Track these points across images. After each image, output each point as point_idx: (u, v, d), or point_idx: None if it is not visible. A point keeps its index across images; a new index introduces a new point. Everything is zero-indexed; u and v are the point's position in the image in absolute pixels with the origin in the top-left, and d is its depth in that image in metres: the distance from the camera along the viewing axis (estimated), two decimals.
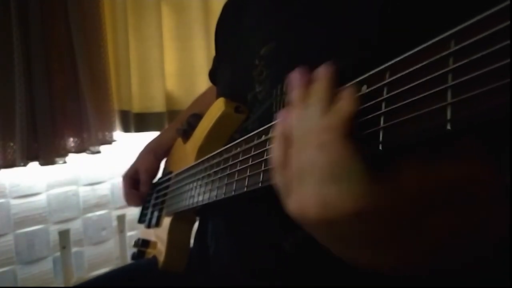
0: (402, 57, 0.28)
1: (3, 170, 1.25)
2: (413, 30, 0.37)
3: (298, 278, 0.52)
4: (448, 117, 0.23)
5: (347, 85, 0.33)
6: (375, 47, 0.43)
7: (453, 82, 0.23)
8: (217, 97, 0.67)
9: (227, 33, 0.75)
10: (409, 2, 0.41)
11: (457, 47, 0.23)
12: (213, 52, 0.84)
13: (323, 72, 0.34)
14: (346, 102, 0.31)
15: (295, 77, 0.36)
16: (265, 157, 0.42)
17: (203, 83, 1.56)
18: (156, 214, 0.84)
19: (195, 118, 0.76)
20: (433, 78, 0.25)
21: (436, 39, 0.25)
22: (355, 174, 0.30)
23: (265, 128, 0.44)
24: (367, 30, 0.44)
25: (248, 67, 0.59)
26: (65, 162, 1.35)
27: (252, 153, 0.45)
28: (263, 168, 0.42)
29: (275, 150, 0.36)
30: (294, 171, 0.34)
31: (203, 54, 1.58)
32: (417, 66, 0.26)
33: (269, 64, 0.56)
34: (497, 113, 0.21)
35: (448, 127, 0.23)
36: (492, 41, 0.21)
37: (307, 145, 0.32)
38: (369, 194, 0.30)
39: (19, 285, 1.37)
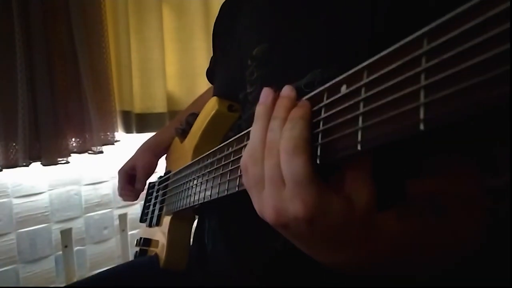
0: (378, 56, 0.28)
1: (6, 170, 1.26)
2: (404, 36, 0.38)
3: (291, 277, 0.53)
4: (421, 116, 0.23)
5: (306, 96, 0.35)
6: (366, 51, 0.44)
7: (426, 82, 0.23)
8: (213, 96, 0.68)
9: (223, 33, 0.76)
10: (399, 9, 0.41)
11: (429, 47, 0.23)
12: None
13: (286, 91, 0.37)
14: (300, 113, 0.34)
15: (262, 95, 0.38)
16: None
17: (203, 84, 1.57)
18: (156, 213, 0.85)
19: (193, 118, 0.76)
20: (406, 78, 0.25)
21: (410, 38, 0.25)
22: (310, 183, 0.32)
23: None
24: (358, 34, 0.44)
25: (241, 67, 0.60)
26: (67, 162, 1.36)
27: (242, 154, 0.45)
28: None
29: (242, 157, 0.39)
30: (251, 177, 0.37)
31: (203, 55, 1.59)
32: (392, 66, 0.26)
33: (260, 65, 0.57)
34: (469, 111, 0.21)
35: (421, 127, 0.23)
36: (463, 39, 0.21)
37: (267, 155, 0.35)
38: (320, 201, 0.32)
39: (21, 284, 1.38)
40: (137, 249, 0.91)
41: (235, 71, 0.63)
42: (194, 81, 1.60)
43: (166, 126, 1.08)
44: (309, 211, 0.32)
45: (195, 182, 0.62)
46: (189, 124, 0.77)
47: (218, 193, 0.51)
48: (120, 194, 0.93)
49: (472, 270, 0.39)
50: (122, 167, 0.92)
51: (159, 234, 0.84)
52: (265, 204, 0.35)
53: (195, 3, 1.58)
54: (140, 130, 1.51)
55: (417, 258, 0.38)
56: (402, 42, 0.26)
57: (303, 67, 0.49)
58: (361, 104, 0.29)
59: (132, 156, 0.94)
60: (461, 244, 0.39)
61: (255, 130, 0.37)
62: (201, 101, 0.97)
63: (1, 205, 1.34)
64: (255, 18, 0.63)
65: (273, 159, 0.34)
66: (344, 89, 0.31)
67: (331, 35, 0.47)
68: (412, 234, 0.36)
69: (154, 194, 0.91)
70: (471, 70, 0.21)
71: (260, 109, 0.37)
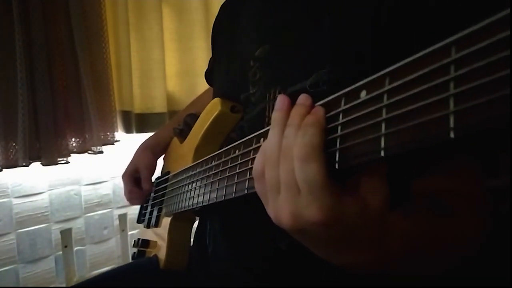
0: (401, 63, 0.28)
1: (6, 170, 1.26)
2: (406, 41, 0.39)
3: (295, 277, 0.53)
4: (451, 125, 0.23)
5: (322, 101, 0.35)
6: (368, 55, 0.44)
7: (456, 91, 0.23)
8: (214, 97, 0.68)
9: (223, 34, 0.75)
10: (401, 13, 0.41)
11: (458, 55, 0.23)
12: None
13: (302, 99, 0.37)
14: (311, 120, 0.34)
15: (278, 101, 0.38)
16: None
17: (203, 84, 1.54)
18: (155, 214, 0.85)
19: (191, 118, 0.76)
20: (434, 86, 0.25)
21: (437, 46, 0.25)
22: (325, 189, 0.32)
23: (262, 132, 0.44)
24: (361, 34, 0.44)
25: (243, 68, 0.60)
26: (67, 162, 1.36)
27: (252, 156, 0.45)
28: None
29: (255, 162, 0.39)
30: (268, 183, 0.37)
31: (203, 55, 1.59)
32: (418, 74, 0.26)
33: (263, 66, 0.57)
34: (498, 122, 0.21)
35: (452, 135, 0.23)
36: (493, 50, 0.22)
37: (282, 161, 0.35)
38: (336, 205, 0.32)
39: (21, 284, 1.37)
40: (135, 250, 0.90)
41: (236, 72, 0.63)
42: (194, 81, 1.60)
43: (164, 126, 1.07)
44: (325, 216, 0.32)
45: (198, 184, 0.62)
46: (187, 124, 0.77)
47: (224, 196, 0.51)
48: (129, 198, 0.92)
49: (473, 270, 0.39)
50: (125, 171, 0.92)
51: (158, 235, 0.84)
52: (281, 210, 0.36)
53: (195, 3, 1.58)
54: (140, 130, 1.51)
55: (425, 257, 0.39)
56: (427, 51, 0.26)
57: (306, 68, 0.49)
58: (384, 111, 0.29)
59: (132, 159, 0.93)
60: (466, 244, 0.40)
61: (271, 136, 0.37)
62: (199, 101, 0.97)
63: (1, 205, 1.34)
64: (256, 18, 0.63)
65: (288, 165, 0.34)
66: (364, 95, 0.31)
67: (334, 35, 0.47)
68: (419, 233, 0.37)
69: (152, 195, 0.90)
70: (502, 80, 0.21)
71: (276, 116, 0.38)
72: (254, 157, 0.45)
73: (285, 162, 0.35)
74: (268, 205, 0.38)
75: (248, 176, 0.45)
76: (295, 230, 0.35)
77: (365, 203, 0.33)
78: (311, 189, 0.32)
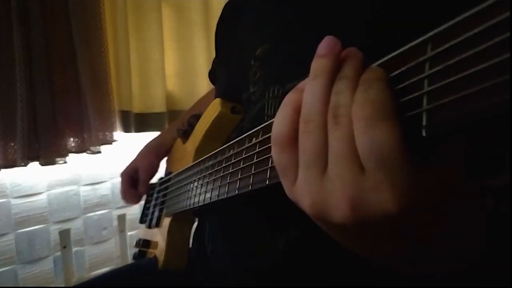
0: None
1: (4, 170, 1.25)
2: (405, 36, 0.38)
3: (293, 277, 0.53)
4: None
5: (376, 63, 0.27)
6: (367, 51, 0.44)
7: None
8: (215, 97, 0.68)
9: (226, 34, 0.76)
10: (399, 6, 0.41)
11: None
12: (213, 53, 0.85)
13: (353, 50, 0.28)
14: (376, 75, 0.26)
15: (323, 45, 0.29)
16: (255, 160, 0.41)
17: (203, 84, 1.57)
18: (156, 214, 0.85)
19: (195, 119, 0.76)
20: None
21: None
22: (402, 163, 0.23)
23: (256, 130, 0.42)
24: (361, 33, 0.44)
25: (244, 68, 0.60)
26: (65, 162, 1.36)
27: (244, 156, 0.44)
28: (253, 171, 0.41)
29: (276, 124, 0.29)
30: (304, 154, 0.27)
31: (203, 54, 1.59)
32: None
33: (263, 65, 0.57)
34: None
35: None
36: None
37: (332, 124, 0.26)
38: (417, 189, 0.24)
39: (20, 285, 1.37)
40: (136, 250, 0.90)
41: (237, 72, 0.63)
42: (194, 81, 1.60)
43: (168, 127, 1.08)
44: (401, 202, 0.24)
45: (196, 184, 0.62)
46: (191, 125, 0.77)
47: (218, 195, 0.51)
48: (123, 197, 0.92)
49: (473, 269, 0.38)
50: (124, 170, 0.92)
51: (159, 236, 0.84)
52: (331, 194, 0.26)
53: (195, 3, 1.58)
54: (139, 130, 1.51)
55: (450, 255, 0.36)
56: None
57: (307, 67, 0.48)
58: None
59: (134, 159, 0.94)
60: (469, 244, 0.39)
61: (312, 89, 0.28)
62: (204, 102, 0.97)
63: None
64: (257, 18, 0.63)
65: (343, 130, 0.25)
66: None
67: (333, 35, 0.47)
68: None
69: (155, 195, 0.90)
70: None
71: (319, 63, 0.28)
72: (247, 156, 0.43)
73: (339, 125, 0.25)
74: (297, 186, 0.28)
75: (239, 176, 0.45)
76: (353, 223, 0.25)
77: (446, 182, 0.26)
78: (383, 163, 0.23)
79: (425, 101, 0.23)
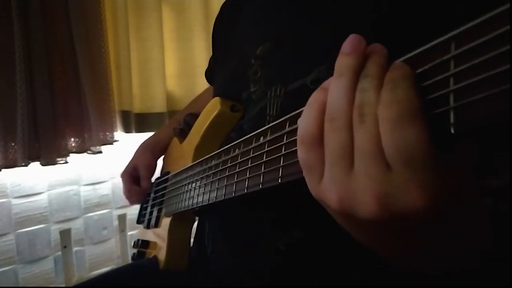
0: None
1: (5, 170, 1.25)
2: (409, 32, 0.38)
3: (293, 277, 0.53)
4: None
5: (400, 59, 0.27)
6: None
7: None
8: (214, 96, 0.67)
9: (224, 32, 0.75)
10: (402, 5, 0.41)
11: None
12: None
13: (378, 46, 0.28)
14: (400, 73, 0.26)
15: (348, 43, 0.29)
16: (264, 159, 0.41)
17: (203, 84, 1.55)
18: (155, 214, 0.84)
19: (191, 118, 0.75)
20: None
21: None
22: (430, 161, 0.24)
23: (263, 130, 0.43)
24: (362, 32, 0.44)
25: (244, 66, 0.59)
26: (66, 162, 1.36)
27: (252, 155, 0.44)
28: (263, 170, 0.41)
29: (306, 122, 0.29)
30: (331, 152, 0.27)
31: (203, 54, 1.59)
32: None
33: (264, 64, 0.57)
34: None
35: None
36: None
37: (358, 122, 0.26)
38: (442, 186, 0.24)
39: (20, 285, 1.37)
40: (135, 250, 0.90)
41: (236, 71, 0.63)
42: (194, 81, 1.60)
43: (164, 126, 1.07)
44: (430, 200, 0.24)
45: (198, 183, 0.61)
46: (187, 124, 0.77)
47: (224, 195, 0.50)
48: (127, 197, 0.92)
49: (473, 270, 0.38)
50: (124, 170, 0.92)
51: (158, 236, 0.83)
52: (359, 190, 0.26)
53: (195, 3, 1.58)
54: (140, 130, 1.51)
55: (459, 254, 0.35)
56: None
57: (307, 65, 0.48)
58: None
59: (132, 158, 0.93)
60: (470, 244, 0.39)
61: (336, 87, 0.28)
62: (199, 101, 0.97)
63: (0, 206, 1.34)
64: (257, 17, 0.63)
65: (369, 129, 0.25)
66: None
67: (335, 33, 0.47)
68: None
69: (152, 195, 0.90)
70: None
71: (344, 62, 0.28)
72: (256, 155, 0.43)
73: (365, 124, 0.25)
74: (323, 183, 0.28)
75: (248, 175, 0.44)
76: (380, 220, 0.26)
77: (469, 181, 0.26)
78: (411, 163, 0.24)
79: (451, 98, 0.24)
